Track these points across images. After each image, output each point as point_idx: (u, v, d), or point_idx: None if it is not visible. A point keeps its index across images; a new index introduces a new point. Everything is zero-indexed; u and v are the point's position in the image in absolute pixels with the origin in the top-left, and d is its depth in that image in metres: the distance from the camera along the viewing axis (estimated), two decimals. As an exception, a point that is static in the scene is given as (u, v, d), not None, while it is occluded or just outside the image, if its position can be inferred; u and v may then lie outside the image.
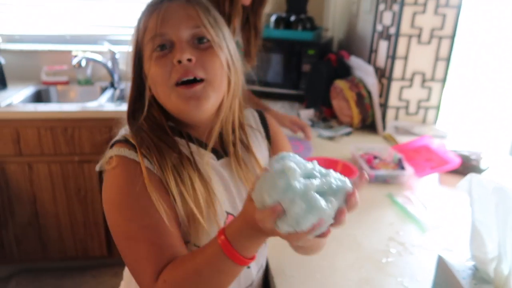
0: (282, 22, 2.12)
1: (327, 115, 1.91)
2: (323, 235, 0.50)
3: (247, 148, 0.78)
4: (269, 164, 0.52)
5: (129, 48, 0.72)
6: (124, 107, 2.02)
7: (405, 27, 1.62)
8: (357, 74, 1.87)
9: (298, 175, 0.49)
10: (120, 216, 0.63)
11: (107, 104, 2.04)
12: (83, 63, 2.20)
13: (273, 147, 0.83)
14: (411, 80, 1.71)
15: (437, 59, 1.68)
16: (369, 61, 1.88)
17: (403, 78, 1.71)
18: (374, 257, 0.93)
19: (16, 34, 2.35)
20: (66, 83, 2.33)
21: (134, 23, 0.72)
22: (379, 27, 1.80)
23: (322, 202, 0.47)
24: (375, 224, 1.07)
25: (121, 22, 2.44)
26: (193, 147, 0.72)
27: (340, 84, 1.78)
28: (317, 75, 1.98)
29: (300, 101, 2.10)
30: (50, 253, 2.10)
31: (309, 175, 0.51)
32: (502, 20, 1.60)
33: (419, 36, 1.64)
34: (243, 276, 0.77)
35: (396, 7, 1.63)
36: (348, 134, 1.74)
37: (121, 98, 2.27)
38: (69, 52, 2.27)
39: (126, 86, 2.35)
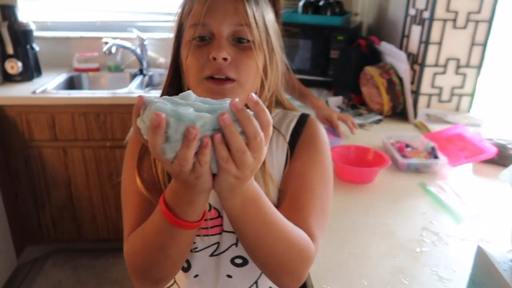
0: (310, 7, 2.09)
1: (356, 102, 1.89)
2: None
3: None
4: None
5: (171, 31, 0.71)
6: (152, 93, 2.06)
7: (440, 11, 1.57)
8: (388, 60, 1.83)
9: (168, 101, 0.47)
10: (123, 175, 0.74)
11: (137, 90, 2.08)
12: (113, 50, 2.23)
13: (294, 153, 0.73)
14: (445, 66, 1.66)
15: (472, 44, 1.63)
16: (400, 47, 1.84)
17: (436, 64, 1.66)
18: (408, 246, 0.93)
19: (49, 21, 2.41)
20: (97, 69, 2.38)
21: (179, 5, 0.70)
22: (412, 11, 1.75)
23: (189, 110, 0.45)
24: (408, 213, 1.07)
25: (150, 8, 2.46)
26: None
27: (370, 70, 1.75)
28: (346, 62, 1.95)
29: (328, 88, 2.08)
30: (84, 234, 2.19)
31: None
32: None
33: (454, 20, 1.59)
34: None
35: (431, -9, 1.58)
36: (378, 121, 1.72)
37: (149, 85, 2.30)
38: (100, 39, 2.31)
39: (155, 72, 2.38)
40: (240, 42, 0.65)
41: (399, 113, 1.77)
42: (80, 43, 2.39)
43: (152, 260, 0.60)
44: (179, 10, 0.70)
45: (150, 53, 2.41)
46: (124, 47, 2.29)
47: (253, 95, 0.46)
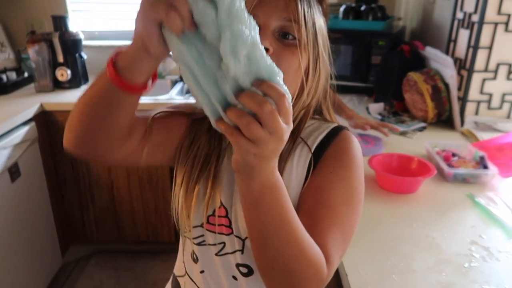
0: (351, 12, 2.06)
1: (398, 109, 1.83)
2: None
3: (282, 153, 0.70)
4: None
5: None
6: (191, 100, 2.09)
7: (490, 14, 1.50)
8: (433, 65, 1.76)
9: None
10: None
11: (177, 97, 2.12)
12: (156, 58, 2.29)
13: (317, 166, 0.67)
14: (495, 71, 1.58)
15: (526, 48, 1.53)
16: (447, 52, 1.76)
17: (486, 70, 1.58)
18: (456, 261, 0.88)
19: (96, 31, 2.52)
20: (139, 76, 2.45)
21: None
22: (459, 15, 1.67)
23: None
24: (455, 226, 1.01)
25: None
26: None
27: (414, 76, 1.69)
28: (388, 67, 1.90)
29: (369, 95, 2.03)
30: (125, 236, 2.25)
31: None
32: None
33: (506, 23, 1.50)
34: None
35: (480, -7, 1.51)
36: (421, 129, 1.65)
37: (189, 92, 2.34)
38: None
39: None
40: (286, 38, 0.64)
41: (444, 121, 1.70)
42: (124, 51, 2.48)
43: (90, 122, 0.59)
44: None
45: (191, 60, 2.45)
46: (165, 55, 2.34)
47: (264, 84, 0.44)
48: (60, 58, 2.18)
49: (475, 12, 1.54)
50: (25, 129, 1.81)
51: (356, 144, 0.70)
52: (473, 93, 1.62)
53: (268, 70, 0.45)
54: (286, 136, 0.46)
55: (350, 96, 2.03)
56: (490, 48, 1.54)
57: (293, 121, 0.66)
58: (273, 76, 0.45)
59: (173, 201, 0.73)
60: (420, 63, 1.84)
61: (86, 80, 2.32)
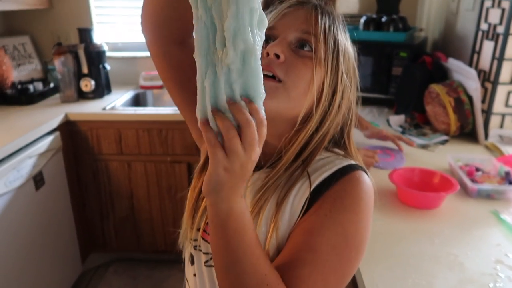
0: (372, 23, 2.04)
1: (419, 122, 1.80)
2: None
3: (286, 182, 0.64)
4: None
5: None
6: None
7: (515, 26, 1.46)
8: (456, 77, 1.73)
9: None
10: None
11: (197, 107, 2.14)
12: (177, 69, 2.33)
13: (314, 205, 0.61)
14: (521, 84, 1.53)
15: (554, 60, 1.49)
16: (470, 64, 1.73)
17: (511, 82, 1.54)
18: (480, 281, 0.85)
19: (119, 42, 2.58)
20: (160, 87, 2.49)
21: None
22: (484, 26, 1.64)
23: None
24: (479, 244, 0.98)
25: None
26: None
27: (436, 88, 1.66)
28: (409, 79, 1.87)
29: (389, 106, 2.01)
30: (143, 245, 2.27)
31: None
32: None
33: (532, 35, 1.47)
34: None
35: (505, 4, 1.47)
36: (444, 142, 1.62)
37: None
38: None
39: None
40: (302, 49, 0.62)
41: (467, 134, 1.66)
42: (146, 62, 2.53)
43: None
44: None
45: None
46: (186, 66, 2.38)
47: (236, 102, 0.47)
48: (85, 69, 2.24)
49: (500, 23, 1.51)
50: (50, 138, 1.86)
51: (366, 187, 0.62)
52: (498, 106, 1.58)
53: (255, 86, 0.48)
54: (256, 157, 0.49)
55: (370, 107, 2.01)
56: (515, 60, 1.50)
57: (304, 148, 0.64)
58: (257, 96, 0.48)
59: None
60: (442, 75, 1.81)
61: (109, 90, 2.37)
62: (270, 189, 0.62)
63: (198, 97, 0.48)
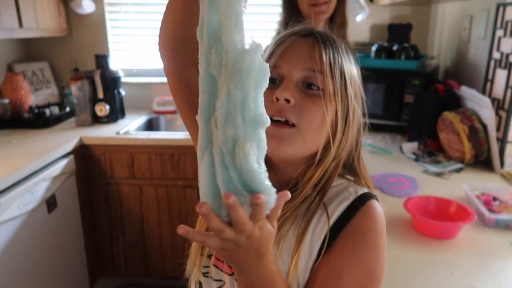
0: (383, 52, 2.07)
1: (433, 149, 1.79)
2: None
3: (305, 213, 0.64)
4: None
5: None
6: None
7: (529, 55, 1.47)
8: (469, 105, 1.73)
9: None
10: None
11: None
12: (190, 94, 2.36)
13: (336, 242, 0.61)
14: (536, 112, 1.52)
15: None
16: (483, 92, 1.73)
17: (526, 111, 1.53)
18: (502, 316, 0.82)
19: (134, 69, 2.64)
20: (173, 112, 2.53)
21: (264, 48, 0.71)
22: (496, 55, 1.65)
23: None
24: (499, 276, 0.95)
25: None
26: None
27: (450, 116, 1.65)
28: (422, 106, 1.87)
29: (402, 133, 2.00)
30: (153, 270, 2.24)
31: None
32: None
33: (546, 64, 1.46)
34: None
35: (518, 33, 1.48)
36: (458, 170, 1.60)
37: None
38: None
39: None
40: (310, 88, 0.62)
41: (482, 162, 1.64)
42: (160, 88, 2.58)
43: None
44: (264, 51, 0.68)
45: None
46: (199, 92, 2.42)
47: (231, 199, 0.43)
48: (100, 94, 2.28)
49: (513, 52, 1.52)
50: (64, 162, 1.89)
51: (381, 218, 0.63)
52: (513, 134, 1.56)
53: (250, 180, 0.44)
54: (267, 230, 0.49)
55: (382, 134, 2.00)
56: (530, 88, 1.50)
57: (322, 177, 0.65)
58: (255, 188, 0.45)
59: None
60: (455, 102, 1.80)
61: (123, 115, 2.41)
62: (290, 220, 0.62)
63: (199, 176, 0.46)
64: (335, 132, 0.64)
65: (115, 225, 2.18)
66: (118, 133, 2.11)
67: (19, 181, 1.62)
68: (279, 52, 0.63)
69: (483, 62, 1.75)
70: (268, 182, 0.45)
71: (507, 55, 1.56)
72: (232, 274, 0.66)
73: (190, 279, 0.73)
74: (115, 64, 2.54)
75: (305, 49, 0.63)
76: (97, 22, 2.53)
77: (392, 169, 1.57)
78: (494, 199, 1.27)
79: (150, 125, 2.48)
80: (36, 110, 2.28)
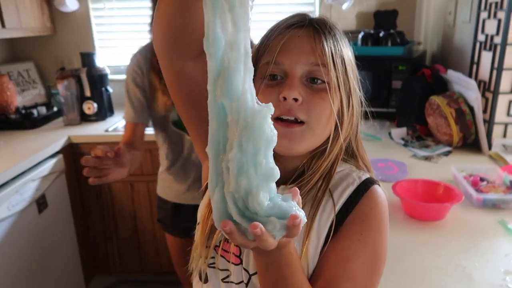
0: (370, 39, 2.06)
1: (422, 134, 1.79)
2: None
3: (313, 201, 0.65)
4: None
5: None
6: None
7: (512, 35, 1.47)
8: (456, 89, 1.73)
9: None
10: None
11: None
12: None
13: (343, 228, 0.63)
14: (522, 93, 1.53)
15: (553, 68, 1.49)
16: (470, 75, 1.73)
17: (511, 91, 1.53)
18: (489, 293, 0.83)
19: (121, 65, 2.61)
20: (162, 108, 2.51)
21: (258, 40, 0.68)
22: (481, 37, 1.65)
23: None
24: (487, 255, 0.96)
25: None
26: None
27: (437, 100, 1.66)
28: (409, 92, 1.87)
29: (390, 120, 2.00)
30: (147, 266, 2.24)
31: None
32: None
33: (530, 44, 1.47)
34: None
35: (501, 14, 1.49)
36: (447, 153, 1.60)
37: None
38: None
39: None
40: (314, 83, 0.61)
41: (470, 144, 1.65)
42: (148, 84, 2.56)
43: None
44: (258, 43, 0.67)
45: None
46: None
47: (257, 229, 0.43)
48: (87, 93, 2.26)
49: (497, 34, 1.52)
50: (53, 161, 1.87)
51: (384, 202, 0.65)
52: (500, 115, 1.57)
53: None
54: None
55: (371, 121, 2.00)
56: (514, 69, 1.50)
57: (328, 164, 0.66)
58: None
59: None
60: (442, 86, 1.81)
61: (111, 112, 2.39)
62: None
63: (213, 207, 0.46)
64: (342, 121, 0.64)
65: (108, 222, 2.17)
66: (107, 130, 2.09)
67: (7, 182, 1.60)
68: (279, 47, 0.62)
69: (469, 45, 1.76)
70: (287, 204, 0.45)
71: (492, 37, 1.56)
72: (238, 264, 0.66)
73: (194, 272, 0.73)
74: (101, 61, 2.51)
75: (306, 42, 0.62)
76: (81, 20, 2.51)
77: (382, 155, 1.58)
78: (482, 179, 1.27)
79: (140, 122, 2.46)
80: (23, 111, 2.26)
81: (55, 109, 2.41)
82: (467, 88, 1.63)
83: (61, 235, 1.97)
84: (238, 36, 0.44)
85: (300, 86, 0.60)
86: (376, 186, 0.66)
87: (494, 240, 1.02)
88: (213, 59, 0.44)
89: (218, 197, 0.45)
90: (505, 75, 1.52)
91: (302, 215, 0.44)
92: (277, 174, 0.45)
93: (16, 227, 1.64)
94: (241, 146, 0.44)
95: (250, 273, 0.65)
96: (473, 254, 0.96)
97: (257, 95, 0.59)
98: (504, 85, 1.53)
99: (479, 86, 1.62)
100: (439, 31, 2.20)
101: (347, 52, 0.65)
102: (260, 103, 0.46)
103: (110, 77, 2.44)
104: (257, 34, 0.74)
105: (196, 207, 0.76)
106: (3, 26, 2.00)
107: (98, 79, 2.28)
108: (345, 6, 1.99)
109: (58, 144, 1.93)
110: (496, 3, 1.52)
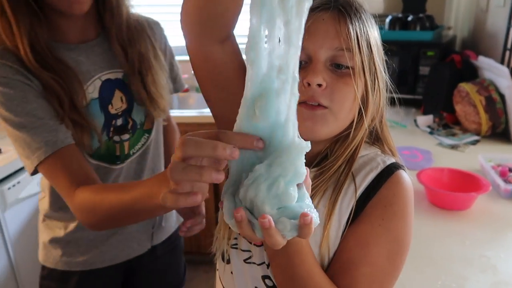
0: (398, 23, 2.01)
1: (449, 122, 1.75)
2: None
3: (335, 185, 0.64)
4: None
5: None
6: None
7: (550, 21, 1.41)
8: (486, 76, 1.68)
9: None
10: None
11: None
12: (201, 72, 2.36)
13: (364, 212, 0.62)
14: (557, 81, 1.47)
15: None
16: (502, 61, 1.68)
17: (546, 80, 1.48)
18: (514, 284, 0.82)
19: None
20: (186, 90, 2.53)
21: None
22: (515, 23, 1.59)
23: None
24: (512, 246, 0.95)
25: (240, 31, 2.56)
26: None
27: (466, 87, 1.62)
28: (437, 78, 1.83)
29: (417, 107, 1.97)
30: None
31: None
32: None
33: None
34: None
35: (539, -1, 1.43)
36: (474, 142, 1.57)
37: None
38: (189, 62, 2.46)
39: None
40: (339, 68, 0.60)
41: (499, 134, 1.60)
42: (172, 66, 2.57)
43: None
44: None
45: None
46: (211, 69, 2.41)
47: (266, 219, 0.42)
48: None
49: (533, 19, 1.46)
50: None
51: (409, 188, 0.63)
52: (532, 104, 1.52)
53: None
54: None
55: (396, 108, 1.97)
56: (550, 56, 1.45)
57: (352, 149, 0.65)
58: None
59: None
60: (472, 73, 1.76)
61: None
62: (320, 192, 0.63)
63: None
64: (367, 105, 0.63)
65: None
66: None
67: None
68: (304, 32, 0.62)
69: (502, 30, 1.69)
70: (299, 205, 0.44)
71: (527, 22, 1.50)
72: (260, 246, 0.67)
73: (218, 253, 0.74)
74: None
75: (331, 26, 0.60)
76: None
77: (406, 143, 1.56)
78: (510, 170, 1.24)
79: (163, 104, 2.49)
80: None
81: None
82: (498, 75, 1.58)
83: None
84: (288, 53, 0.42)
85: (324, 71, 0.60)
86: (401, 171, 0.64)
87: (521, 231, 1.00)
88: (254, 67, 0.42)
89: (229, 195, 0.46)
90: (540, 63, 1.46)
91: (315, 216, 0.44)
92: (293, 199, 0.44)
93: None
94: (270, 167, 0.43)
95: None
96: (498, 245, 0.95)
97: None
98: (538, 73, 1.48)
99: (511, 73, 1.56)
100: (470, 16, 2.12)
101: (374, 34, 0.63)
102: (300, 137, 0.45)
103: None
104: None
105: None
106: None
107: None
108: (373, -12, 1.94)
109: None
110: (534, -13, 1.45)
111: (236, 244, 0.70)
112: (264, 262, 0.67)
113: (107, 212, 0.71)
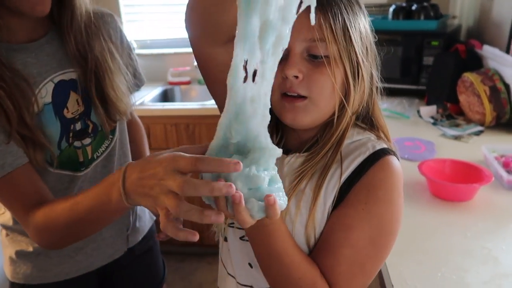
0: (402, 12, 1.98)
1: (452, 112, 1.73)
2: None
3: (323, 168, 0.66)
4: None
5: None
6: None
7: (557, 8, 1.38)
8: (491, 65, 1.65)
9: None
10: None
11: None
12: (203, 64, 2.35)
13: (349, 196, 0.63)
14: None
15: None
16: (507, 51, 1.65)
17: (552, 69, 1.45)
18: (515, 276, 0.81)
19: (148, 40, 2.63)
20: (188, 83, 2.52)
21: None
22: (521, 11, 1.56)
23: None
24: (515, 238, 0.93)
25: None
26: None
27: (470, 77, 1.59)
28: (441, 68, 1.80)
29: (420, 97, 1.94)
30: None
31: None
32: None
33: None
34: None
35: (545, -14, 1.39)
36: (478, 133, 1.55)
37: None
38: (191, 54, 2.45)
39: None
40: (316, 58, 0.62)
41: (504, 124, 1.58)
42: (174, 59, 2.56)
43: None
44: None
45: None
46: (213, 61, 2.39)
47: (238, 194, 0.48)
48: (115, 66, 2.26)
49: (539, 6, 1.43)
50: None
51: (397, 173, 0.64)
52: (538, 94, 1.49)
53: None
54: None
55: (399, 99, 1.95)
56: (557, 45, 1.42)
57: (338, 134, 0.67)
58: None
59: None
60: (476, 63, 1.73)
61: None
62: (307, 174, 0.65)
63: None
64: (348, 91, 0.64)
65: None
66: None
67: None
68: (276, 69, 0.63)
69: (508, 19, 1.66)
70: (268, 188, 0.50)
71: (533, 10, 1.47)
72: None
73: (217, 232, 0.78)
74: (128, 35, 2.53)
75: (305, 19, 0.59)
76: (108, -7, 2.51)
77: (409, 134, 1.54)
78: (514, 161, 1.23)
79: (165, 96, 2.48)
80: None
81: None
82: (503, 64, 1.55)
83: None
84: (261, 86, 0.48)
85: (301, 62, 0.62)
86: (390, 157, 0.65)
87: (523, 223, 0.99)
88: (232, 93, 0.48)
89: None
90: (546, 51, 1.43)
91: (283, 199, 0.49)
92: (262, 181, 0.49)
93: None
94: (245, 158, 0.50)
95: None
96: (500, 236, 0.94)
97: None
98: (544, 62, 1.45)
99: (516, 63, 1.54)
100: (476, 5, 2.09)
101: (355, 22, 0.63)
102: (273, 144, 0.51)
103: (137, 51, 2.46)
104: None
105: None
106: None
107: (125, 53, 2.29)
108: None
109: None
110: (541, -27, 1.42)
111: (233, 223, 0.73)
112: None
113: (64, 228, 0.70)
